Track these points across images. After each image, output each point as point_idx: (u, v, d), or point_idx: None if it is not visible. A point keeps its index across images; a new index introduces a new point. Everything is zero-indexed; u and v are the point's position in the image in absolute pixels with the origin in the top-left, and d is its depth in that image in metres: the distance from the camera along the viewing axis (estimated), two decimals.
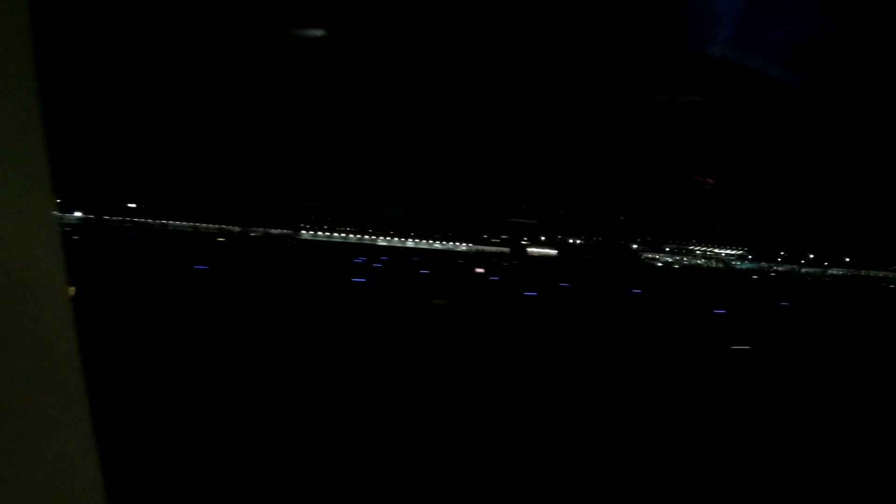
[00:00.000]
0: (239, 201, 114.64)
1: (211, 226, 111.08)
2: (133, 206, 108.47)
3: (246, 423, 9.76)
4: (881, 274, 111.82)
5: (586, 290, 46.35)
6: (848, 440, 11.44)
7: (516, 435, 10.32)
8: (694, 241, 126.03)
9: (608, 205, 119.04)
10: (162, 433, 8.79)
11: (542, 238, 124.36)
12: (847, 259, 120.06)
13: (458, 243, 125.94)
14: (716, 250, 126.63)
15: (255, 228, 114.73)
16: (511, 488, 8.22)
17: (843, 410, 13.91)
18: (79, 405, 1.67)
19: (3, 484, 1.51)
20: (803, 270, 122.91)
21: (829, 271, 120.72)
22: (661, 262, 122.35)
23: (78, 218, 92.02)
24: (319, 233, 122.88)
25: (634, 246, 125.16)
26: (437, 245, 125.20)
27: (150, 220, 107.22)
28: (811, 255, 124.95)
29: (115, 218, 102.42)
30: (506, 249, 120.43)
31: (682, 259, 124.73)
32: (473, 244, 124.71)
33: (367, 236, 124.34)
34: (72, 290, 1.74)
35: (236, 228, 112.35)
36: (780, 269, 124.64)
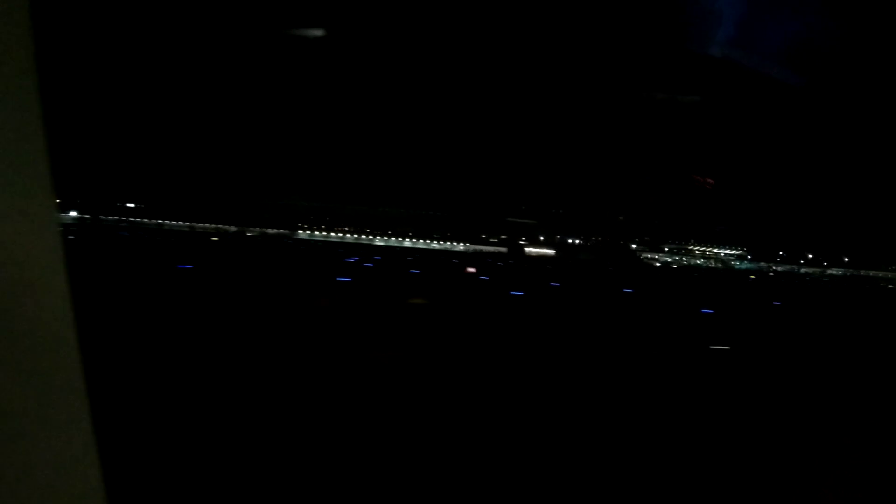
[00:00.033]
0: (237, 201, 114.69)
1: (208, 225, 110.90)
2: (129, 205, 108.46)
3: (246, 423, 9.64)
4: (880, 274, 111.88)
5: (577, 290, 45.67)
6: (848, 440, 11.31)
7: (494, 435, 10.10)
8: (693, 241, 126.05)
9: (607, 205, 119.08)
10: (160, 432, 8.68)
11: (541, 238, 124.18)
12: (846, 259, 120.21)
13: (455, 243, 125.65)
14: (715, 250, 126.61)
15: (251, 228, 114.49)
16: (498, 487, 7.97)
17: (843, 410, 13.74)
18: (79, 405, 1.68)
19: (3, 484, 1.52)
20: (802, 270, 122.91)
21: (829, 271, 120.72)
22: (659, 262, 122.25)
23: (73, 218, 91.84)
24: (316, 232, 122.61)
25: (633, 246, 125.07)
26: (435, 245, 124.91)
27: (145, 220, 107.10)
28: (810, 255, 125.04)
29: (110, 218, 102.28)
30: (503, 249, 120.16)
31: (680, 259, 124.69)
32: (471, 244, 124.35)
33: (364, 236, 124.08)
34: None
35: (233, 228, 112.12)
36: (779, 268, 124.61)
